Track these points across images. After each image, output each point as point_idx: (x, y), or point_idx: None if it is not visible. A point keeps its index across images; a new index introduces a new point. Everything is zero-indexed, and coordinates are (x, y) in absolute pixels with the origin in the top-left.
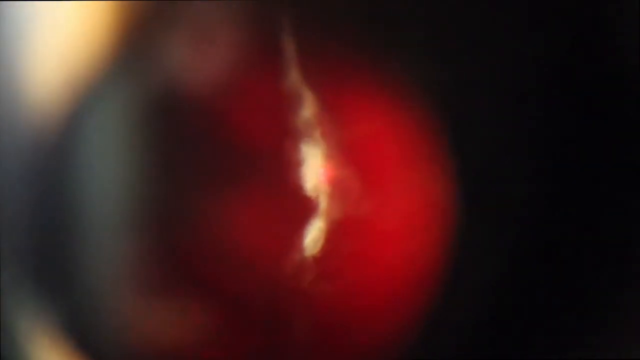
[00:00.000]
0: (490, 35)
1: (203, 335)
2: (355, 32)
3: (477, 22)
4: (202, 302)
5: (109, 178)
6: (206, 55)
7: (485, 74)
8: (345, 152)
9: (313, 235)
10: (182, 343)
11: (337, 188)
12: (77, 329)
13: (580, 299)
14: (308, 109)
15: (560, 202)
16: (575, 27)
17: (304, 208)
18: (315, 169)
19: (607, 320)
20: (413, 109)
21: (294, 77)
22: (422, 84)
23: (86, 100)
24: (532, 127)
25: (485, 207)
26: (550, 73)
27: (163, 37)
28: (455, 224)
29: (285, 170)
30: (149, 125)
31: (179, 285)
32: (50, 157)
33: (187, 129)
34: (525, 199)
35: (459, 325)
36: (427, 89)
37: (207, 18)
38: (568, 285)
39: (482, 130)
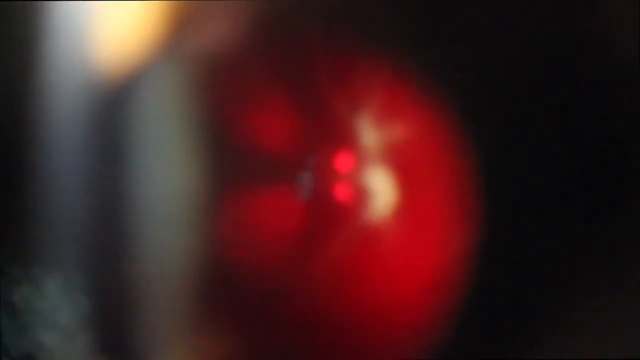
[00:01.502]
0: (510, 38)
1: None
2: (382, 35)
3: (497, 27)
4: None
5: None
6: (236, 56)
7: (506, 75)
8: (377, 155)
9: (344, 240)
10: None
11: (368, 190)
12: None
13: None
14: (338, 112)
15: (573, 199)
16: (582, 25)
17: (335, 213)
18: (345, 172)
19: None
20: (440, 111)
21: (325, 80)
22: (447, 84)
23: (138, 76)
24: (547, 127)
25: (503, 205)
26: (564, 73)
27: (197, 33)
28: (478, 223)
29: (314, 174)
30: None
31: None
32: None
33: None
34: (542, 197)
35: (474, 326)
36: (451, 89)
37: (237, 19)
38: (575, 284)
39: (502, 129)
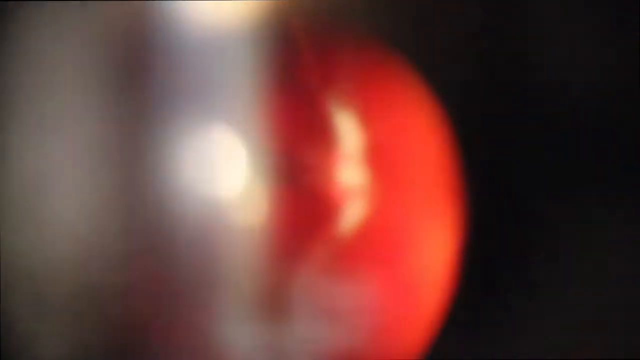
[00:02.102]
0: (495, 42)
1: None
2: (370, 33)
3: (491, 26)
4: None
5: None
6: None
7: (493, 77)
8: (364, 153)
9: (334, 239)
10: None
11: (357, 190)
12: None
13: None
14: (326, 111)
15: (560, 199)
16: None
17: (324, 212)
18: (334, 171)
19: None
20: (430, 110)
21: (311, 78)
22: (436, 84)
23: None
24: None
25: (491, 205)
26: (559, 72)
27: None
28: (467, 224)
29: (302, 172)
30: None
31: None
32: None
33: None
34: (528, 196)
35: (459, 326)
36: (440, 89)
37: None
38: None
39: (489, 129)
